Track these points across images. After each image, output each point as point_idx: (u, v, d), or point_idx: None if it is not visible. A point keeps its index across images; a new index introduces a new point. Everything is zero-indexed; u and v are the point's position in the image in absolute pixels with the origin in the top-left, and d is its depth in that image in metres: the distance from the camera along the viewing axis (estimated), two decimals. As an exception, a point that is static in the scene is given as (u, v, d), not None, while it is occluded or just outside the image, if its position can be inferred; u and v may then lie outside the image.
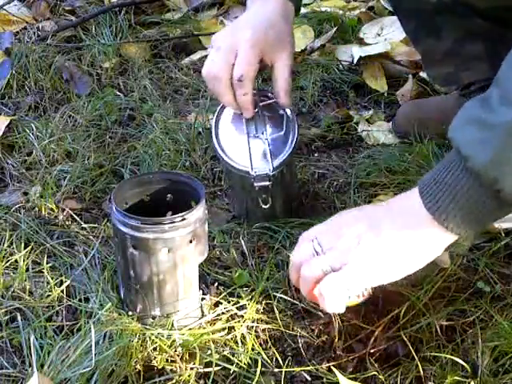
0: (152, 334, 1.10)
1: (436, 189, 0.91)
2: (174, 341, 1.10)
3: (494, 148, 0.85)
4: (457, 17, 1.36)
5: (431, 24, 1.40)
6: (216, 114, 1.31)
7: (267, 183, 1.25)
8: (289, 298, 1.18)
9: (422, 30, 1.44)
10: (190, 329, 1.14)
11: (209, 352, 1.09)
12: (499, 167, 0.85)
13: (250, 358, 1.09)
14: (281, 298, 1.18)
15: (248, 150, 1.26)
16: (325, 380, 1.06)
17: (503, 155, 0.85)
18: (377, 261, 0.94)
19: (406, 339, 1.09)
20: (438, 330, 1.12)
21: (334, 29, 2.03)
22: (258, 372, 1.06)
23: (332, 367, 1.07)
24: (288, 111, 1.29)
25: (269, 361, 1.09)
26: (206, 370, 1.07)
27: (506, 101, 0.85)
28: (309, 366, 1.07)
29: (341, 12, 2.12)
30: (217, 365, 1.07)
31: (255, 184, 1.25)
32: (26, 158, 1.56)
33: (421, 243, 0.93)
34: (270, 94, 1.29)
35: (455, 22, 1.37)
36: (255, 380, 1.05)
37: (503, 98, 0.86)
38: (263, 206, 1.29)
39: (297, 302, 1.15)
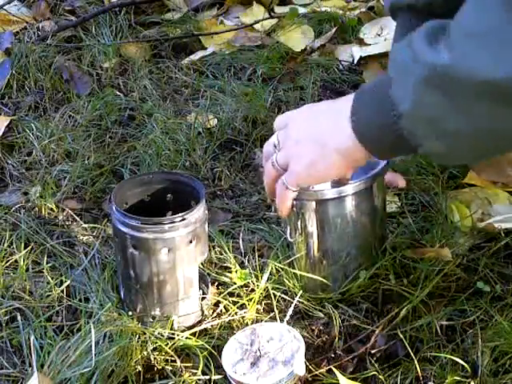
0: (152, 334, 1.10)
1: (363, 101, 0.95)
2: (174, 341, 1.10)
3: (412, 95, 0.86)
4: None
5: None
6: None
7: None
8: (289, 298, 1.18)
9: None
10: (190, 329, 1.14)
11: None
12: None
13: (250, 358, 1.09)
14: (281, 297, 1.18)
15: None
16: (325, 380, 1.06)
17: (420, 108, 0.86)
18: (304, 161, 1.01)
19: (405, 339, 1.09)
20: (438, 330, 1.12)
21: (334, 29, 2.03)
22: (258, 372, 1.06)
23: (332, 367, 1.07)
24: None
25: (269, 361, 1.09)
26: (206, 370, 1.07)
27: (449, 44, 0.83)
28: (309, 366, 1.07)
29: (341, 12, 2.12)
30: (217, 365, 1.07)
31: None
32: (26, 158, 1.56)
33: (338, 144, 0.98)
34: None
35: None
36: (255, 380, 1.05)
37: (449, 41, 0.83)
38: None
39: (297, 303, 1.15)
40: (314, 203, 1.11)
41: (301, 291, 1.16)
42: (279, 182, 1.05)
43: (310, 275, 1.17)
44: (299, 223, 1.13)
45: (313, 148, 1.00)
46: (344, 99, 0.99)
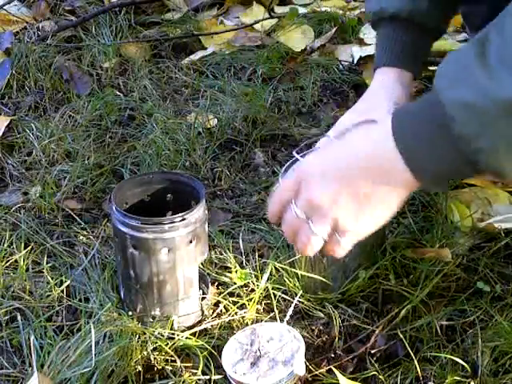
0: (152, 334, 1.10)
1: (412, 138, 0.86)
2: (174, 341, 1.10)
3: (486, 125, 0.80)
4: None
5: None
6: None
7: None
8: (289, 298, 1.18)
9: None
10: (190, 329, 1.14)
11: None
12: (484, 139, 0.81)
13: (250, 358, 1.09)
14: (281, 297, 1.18)
15: None
16: (325, 380, 1.06)
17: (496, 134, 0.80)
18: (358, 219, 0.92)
19: (405, 339, 1.10)
20: (438, 329, 1.13)
21: (334, 29, 2.03)
22: (258, 372, 1.06)
23: (332, 367, 1.07)
24: None
25: (269, 361, 1.09)
26: (206, 370, 1.07)
27: (507, 64, 0.79)
28: (309, 366, 1.07)
29: (341, 12, 2.12)
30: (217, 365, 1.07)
31: None
32: (26, 158, 1.56)
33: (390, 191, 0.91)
34: None
35: None
36: (255, 380, 1.05)
37: (503, 58, 0.80)
38: None
39: (297, 303, 1.15)
40: None
41: (301, 291, 1.16)
42: (305, 231, 0.94)
43: (310, 275, 1.17)
44: None
45: (359, 199, 0.91)
46: (370, 136, 0.90)
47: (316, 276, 1.16)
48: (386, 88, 1.26)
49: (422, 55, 1.34)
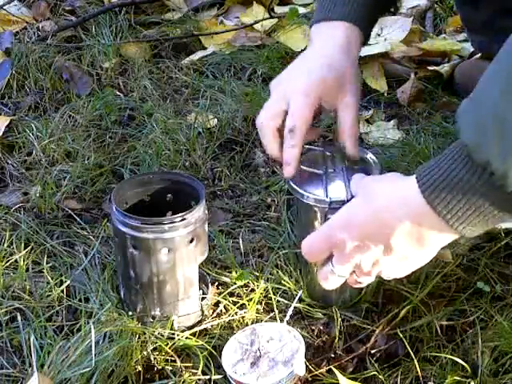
0: (152, 334, 1.10)
1: (440, 185, 0.85)
2: (174, 341, 1.10)
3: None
4: None
5: None
6: None
7: None
8: (289, 298, 1.18)
9: None
10: (190, 329, 1.14)
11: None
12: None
13: (250, 358, 1.09)
14: (281, 297, 1.18)
15: (324, 180, 1.10)
16: (325, 380, 1.06)
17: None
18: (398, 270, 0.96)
19: (405, 339, 1.09)
20: (438, 329, 1.13)
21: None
22: (258, 372, 1.06)
23: (332, 367, 1.07)
24: (373, 157, 1.14)
25: (269, 361, 1.09)
26: (206, 370, 1.07)
27: None
28: (309, 366, 1.07)
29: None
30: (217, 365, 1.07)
31: (328, 216, 1.02)
32: (26, 158, 1.56)
33: (429, 244, 0.92)
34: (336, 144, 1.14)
35: None
36: (255, 380, 1.05)
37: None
38: None
39: (297, 303, 1.15)
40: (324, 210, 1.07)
41: (301, 291, 1.16)
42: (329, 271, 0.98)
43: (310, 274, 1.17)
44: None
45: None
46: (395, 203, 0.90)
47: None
48: (348, 51, 1.14)
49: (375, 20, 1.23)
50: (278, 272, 1.21)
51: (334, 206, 1.02)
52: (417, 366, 1.06)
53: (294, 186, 1.09)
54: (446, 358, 1.07)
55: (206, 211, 1.12)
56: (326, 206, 1.06)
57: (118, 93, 1.79)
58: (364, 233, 0.91)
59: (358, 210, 0.94)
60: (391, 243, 0.90)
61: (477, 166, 0.82)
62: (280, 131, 1.10)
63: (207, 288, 1.20)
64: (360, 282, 0.99)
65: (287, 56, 1.93)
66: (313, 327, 1.14)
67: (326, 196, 1.07)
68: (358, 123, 1.13)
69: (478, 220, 0.85)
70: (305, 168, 1.11)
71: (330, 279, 0.98)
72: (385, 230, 0.90)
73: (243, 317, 1.15)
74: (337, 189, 1.08)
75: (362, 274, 0.96)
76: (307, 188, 1.09)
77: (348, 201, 0.99)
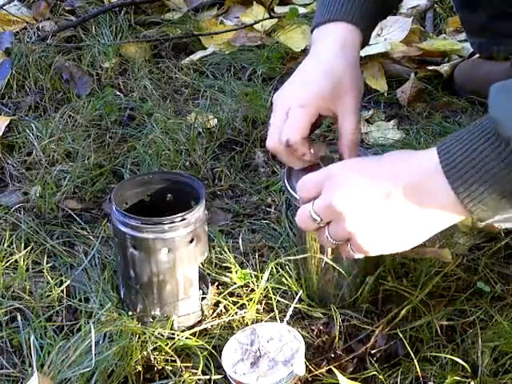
0: (152, 334, 1.10)
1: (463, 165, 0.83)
2: (174, 341, 1.10)
3: None
4: None
5: None
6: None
7: None
8: (289, 298, 1.18)
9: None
10: (190, 329, 1.14)
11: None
12: None
13: (250, 358, 1.09)
14: (281, 297, 1.18)
15: None
16: (325, 380, 1.06)
17: None
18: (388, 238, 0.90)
19: (405, 339, 1.09)
20: (438, 329, 1.13)
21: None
22: (258, 372, 1.06)
23: (332, 367, 1.07)
24: None
25: (269, 361, 1.09)
26: (206, 370, 1.07)
27: None
28: (309, 366, 1.07)
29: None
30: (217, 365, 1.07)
31: None
32: (26, 158, 1.56)
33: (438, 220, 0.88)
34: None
35: (492, 1, 1.40)
36: (255, 380, 1.05)
37: None
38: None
39: (297, 303, 1.15)
40: None
41: (301, 291, 1.16)
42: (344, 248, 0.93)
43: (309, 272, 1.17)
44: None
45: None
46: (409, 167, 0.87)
47: (329, 289, 1.16)
48: (347, 53, 1.12)
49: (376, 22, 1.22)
50: (278, 272, 1.21)
51: None
52: (417, 366, 1.06)
53: (291, 191, 1.08)
54: (445, 358, 1.07)
55: (206, 211, 1.12)
56: None
57: (117, 93, 1.79)
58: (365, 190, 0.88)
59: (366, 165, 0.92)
60: (391, 195, 0.86)
61: (500, 141, 0.80)
62: None
63: (207, 288, 1.20)
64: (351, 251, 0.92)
65: (287, 56, 1.93)
66: (313, 327, 1.14)
67: None
68: (359, 128, 1.10)
69: (491, 198, 0.82)
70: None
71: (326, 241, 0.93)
72: (388, 181, 0.87)
73: (243, 317, 1.15)
74: None
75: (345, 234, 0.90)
76: None
77: None
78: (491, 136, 0.82)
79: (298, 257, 1.17)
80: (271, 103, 1.14)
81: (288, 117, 1.08)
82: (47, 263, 1.25)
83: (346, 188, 0.89)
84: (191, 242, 1.09)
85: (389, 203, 0.87)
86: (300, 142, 1.07)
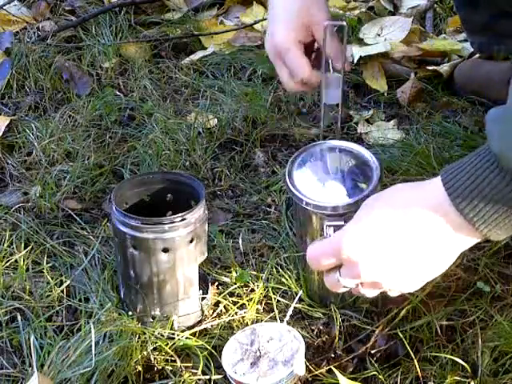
0: (152, 334, 1.10)
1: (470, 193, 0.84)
2: (174, 341, 1.10)
3: None
4: None
5: None
6: (292, 159, 1.14)
7: (341, 223, 0.99)
8: (289, 298, 1.18)
9: None
10: (190, 329, 1.14)
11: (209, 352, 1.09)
12: None
13: (250, 358, 1.09)
14: (281, 297, 1.18)
15: (322, 183, 1.09)
16: (325, 380, 1.06)
17: None
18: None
19: (405, 339, 1.09)
20: (438, 329, 1.13)
21: (335, 28, 2.03)
22: (258, 372, 1.06)
23: (332, 367, 1.07)
24: (373, 158, 1.12)
25: (269, 361, 1.09)
26: (206, 370, 1.07)
27: None
28: (309, 366, 1.07)
29: (341, 12, 2.12)
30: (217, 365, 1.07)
31: (326, 223, 1.01)
32: (26, 158, 1.56)
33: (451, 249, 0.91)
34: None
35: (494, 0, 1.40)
36: (255, 380, 1.05)
37: None
38: None
39: (297, 303, 1.15)
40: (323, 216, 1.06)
41: (301, 291, 1.16)
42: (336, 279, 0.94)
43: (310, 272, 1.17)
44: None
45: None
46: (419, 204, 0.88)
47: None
48: None
49: None
50: (278, 272, 1.21)
51: (332, 213, 1.03)
52: (417, 366, 1.06)
53: (293, 190, 1.08)
54: (446, 358, 1.07)
55: (206, 211, 1.12)
56: (324, 211, 1.05)
57: (117, 93, 1.79)
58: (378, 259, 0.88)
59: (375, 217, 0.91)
60: (405, 248, 0.88)
61: (505, 172, 0.82)
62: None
63: (207, 288, 1.20)
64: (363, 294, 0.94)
65: (287, 56, 1.93)
66: (313, 327, 1.14)
67: (325, 201, 1.05)
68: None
69: (505, 223, 0.84)
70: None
71: (336, 286, 0.94)
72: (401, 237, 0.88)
73: (243, 317, 1.15)
74: (335, 193, 1.07)
75: (368, 286, 0.92)
76: (306, 192, 1.07)
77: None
78: (495, 168, 0.82)
79: (297, 254, 1.17)
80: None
81: (286, 62, 1.19)
82: (47, 263, 1.25)
83: (369, 259, 0.89)
84: (191, 241, 1.09)
85: (408, 248, 0.88)
86: (312, 74, 1.19)
